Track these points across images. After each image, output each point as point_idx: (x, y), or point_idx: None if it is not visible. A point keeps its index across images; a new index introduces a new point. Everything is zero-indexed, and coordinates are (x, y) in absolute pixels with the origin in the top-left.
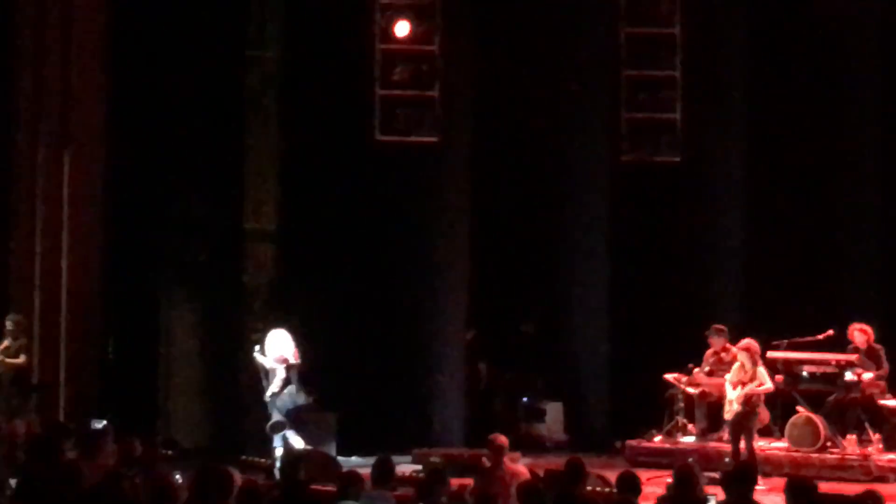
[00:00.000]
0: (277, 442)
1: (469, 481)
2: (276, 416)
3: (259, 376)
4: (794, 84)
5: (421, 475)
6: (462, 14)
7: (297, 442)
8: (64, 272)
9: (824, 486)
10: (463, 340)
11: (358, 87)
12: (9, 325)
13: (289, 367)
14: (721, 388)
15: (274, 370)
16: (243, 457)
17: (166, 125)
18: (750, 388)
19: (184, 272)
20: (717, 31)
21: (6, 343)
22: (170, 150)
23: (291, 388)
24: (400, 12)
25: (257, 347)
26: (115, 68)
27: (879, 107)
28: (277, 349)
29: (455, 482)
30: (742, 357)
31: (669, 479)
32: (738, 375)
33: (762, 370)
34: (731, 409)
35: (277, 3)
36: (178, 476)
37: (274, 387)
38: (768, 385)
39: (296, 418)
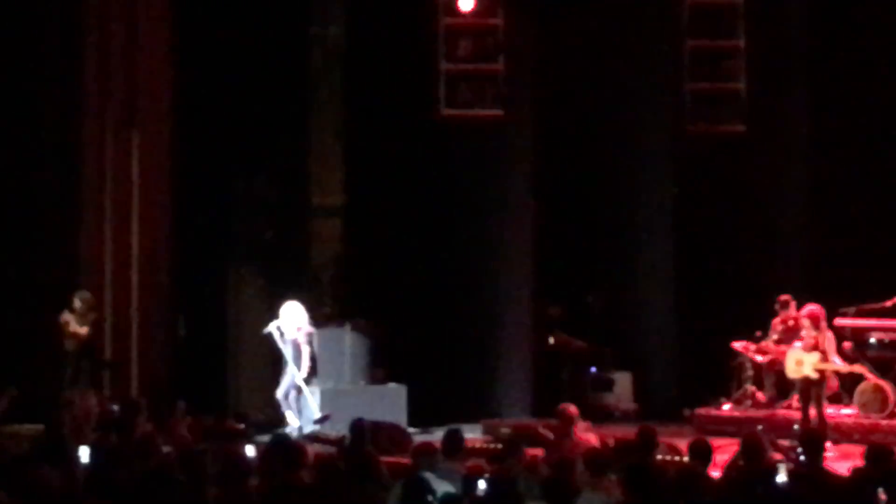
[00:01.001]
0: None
1: (539, 451)
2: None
3: (279, 352)
4: (859, 51)
5: (491, 446)
6: None
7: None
8: (134, 251)
9: None
10: (530, 310)
11: (422, 62)
12: (77, 302)
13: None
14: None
15: (299, 347)
16: (313, 430)
17: (232, 104)
18: (826, 366)
19: (251, 250)
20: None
21: (71, 318)
22: (235, 128)
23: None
24: None
25: (273, 324)
26: (180, 49)
27: None
28: (301, 324)
29: (527, 452)
30: (806, 322)
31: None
32: (807, 343)
33: (830, 336)
34: (800, 369)
35: None
36: (251, 449)
37: (305, 370)
38: (836, 361)
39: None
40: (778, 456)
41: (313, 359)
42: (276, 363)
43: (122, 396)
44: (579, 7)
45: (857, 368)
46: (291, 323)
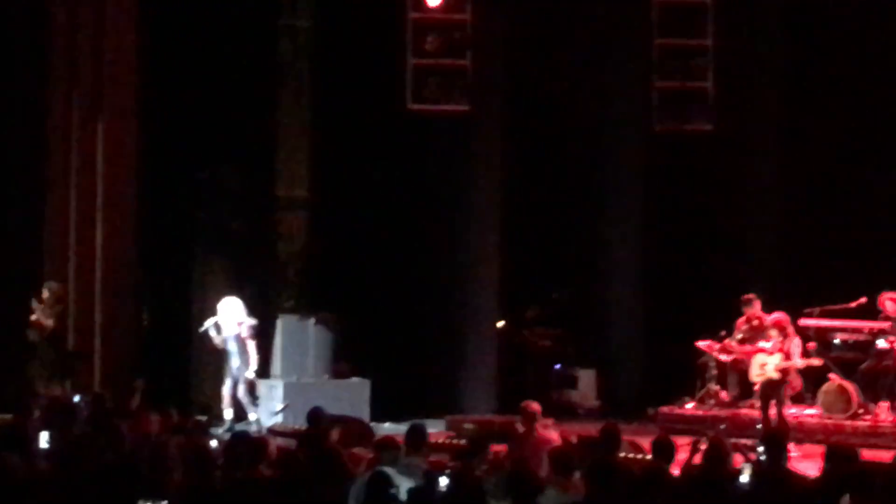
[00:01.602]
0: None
1: (502, 447)
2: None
3: (217, 351)
4: (827, 51)
5: (455, 441)
6: None
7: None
8: (98, 241)
9: None
10: (496, 307)
11: (390, 56)
12: (45, 292)
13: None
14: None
15: (243, 342)
16: (275, 423)
17: (199, 95)
18: (788, 364)
19: (216, 241)
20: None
21: (38, 309)
22: (202, 119)
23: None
24: None
25: (210, 321)
26: (147, 38)
27: None
28: (241, 318)
29: (491, 449)
30: (774, 332)
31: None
32: (771, 345)
33: (797, 342)
34: (763, 372)
35: None
36: (213, 442)
37: (254, 364)
38: (797, 360)
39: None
40: (740, 457)
41: (264, 350)
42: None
43: (88, 390)
44: (548, 3)
45: (815, 361)
46: (230, 319)
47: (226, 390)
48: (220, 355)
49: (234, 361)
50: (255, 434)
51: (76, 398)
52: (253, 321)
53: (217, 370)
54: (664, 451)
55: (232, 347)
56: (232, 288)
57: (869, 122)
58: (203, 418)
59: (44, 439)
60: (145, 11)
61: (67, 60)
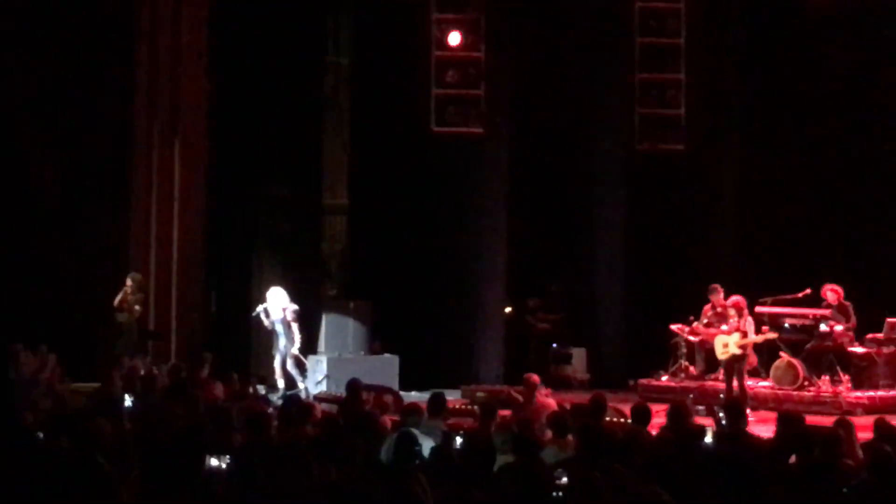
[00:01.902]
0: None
1: (507, 412)
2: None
3: (268, 333)
4: (781, 85)
5: (469, 407)
6: (504, 27)
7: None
8: (175, 240)
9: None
10: (503, 295)
11: (416, 87)
12: (129, 281)
13: (293, 320)
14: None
15: (288, 324)
16: (320, 392)
17: (258, 119)
18: (749, 340)
19: (271, 241)
20: (715, 40)
21: (123, 296)
22: (261, 139)
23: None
24: (452, 25)
25: (260, 307)
26: (216, 72)
27: (848, 99)
28: (285, 304)
29: (499, 413)
30: (732, 311)
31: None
32: (730, 326)
33: (750, 320)
34: (727, 350)
35: (349, 19)
36: (270, 409)
37: (298, 342)
38: (752, 336)
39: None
40: (701, 420)
41: (307, 332)
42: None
43: (166, 363)
44: (548, 43)
45: (770, 335)
46: (276, 304)
47: (277, 364)
48: (270, 335)
49: (281, 341)
50: (303, 400)
51: (154, 369)
52: (295, 306)
53: (270, 349)
54: (642, 415)
55: (279, 329)
56: (284, 280)
57: (812, 145)
58: (260, 387)
59: (127, 404)
60: (215, 49)
61: (149, 91)
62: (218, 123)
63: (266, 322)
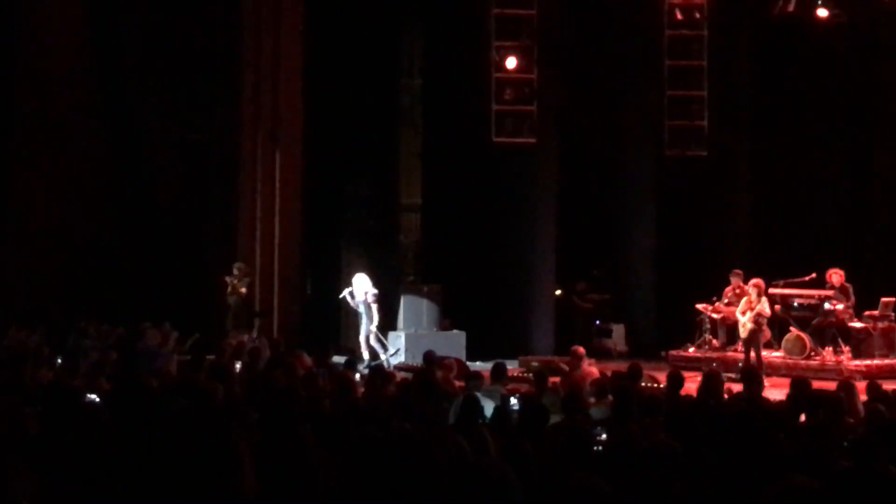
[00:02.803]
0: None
1: (557, 379)
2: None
3: (354, 313)
4: (786, 99)
5: (527, 374)
6: (553, 53)
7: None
8: (276, 234)
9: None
10: (554, 280)
11: (479, 104)
12: (235, 270)
13: (375, 301)
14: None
15: (369, 305)
16: (389, 362)
17: (344, 131)
18: (758, 309)
19: (357, 234)
20: (733, 62)
21: (233, 281)
22: (348, 148)
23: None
24: (509, 51)
25: (346, 290)
26: (310, 92)
27: (842, 110)
28: (367, 288)
29: (550, 380)
30: (752, 291)
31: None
32: (746, 305)
33: (765, 300)
34: (745, 328)
35: (421, 46)
36: (357, 375)
37: (376, 321)
38: (767, 311)
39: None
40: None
41: (387, 312)
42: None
43: (269, 337)
44: (591, 66)
45: (779, 312)
46: (360, 288)
47: (362, 339)
48: (355, 314)
49: (363, 319)
50: (385, 369)
51: (258, 342)
52: (375, 290)
53: (358, 326)
54: (676, 381)
55: (361, 309)
56: (368, 267)
57: (815, 151)
58: (340, 357)
59: (237, 372)
60: (308, 72)
61: (254, 105)
62: (312, 132)
63: (351, 303)
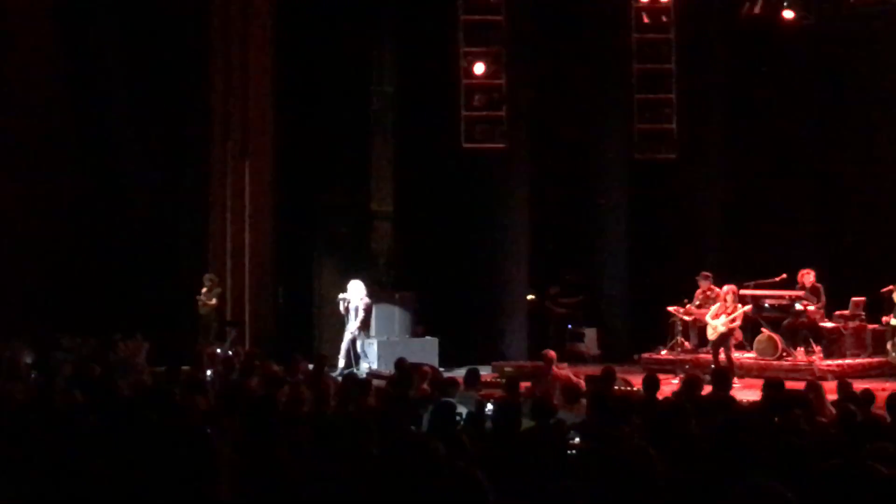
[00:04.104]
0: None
1: (528, 384)
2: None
3: (343, 313)
4: (754, 102)
5: (500, 380)
6: (521, 58)
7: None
8: (247, 244)
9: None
10: (526, 285)
11: (449, 110)
12: (205, 280)
13: (367, 309)
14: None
15: (357, 308)
16: (371, 369)
17: (315, 138)
18: (733, 316)
19: (329, 241)
20: (701, 65)
21: (203, 293)
22: (318, 156)
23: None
24: (477, 57)
25: (342, 295)
26: (279, 100)
27: (811, 111)
28: (362, 295)
29: (522, 385)
30: (729, 297)
31: (675, 381)
32: (720, 309)
33: (740, 305)
34: (715, 331)
35: (392, 54)
36: (332, 384)
37: (357, 324)
38: (738, 323)
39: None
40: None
41: (367, 320)
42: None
43: (248, 349)
44: (560, 71)
45: (748, 310)
46: (356, 294)
47: (344, 345)
48: (340, 320)
49: (353, 325)
50: (360, 377)
51: (231, 352)
52: (368, 300)
53: (331, 333)
54: (653, 384)
55: (352, 314)
56: (339, 275)
57: (783, 153)
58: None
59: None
60: (278, 81)
61: (223, 119)
62: (283, 141)
63: (342, 307)
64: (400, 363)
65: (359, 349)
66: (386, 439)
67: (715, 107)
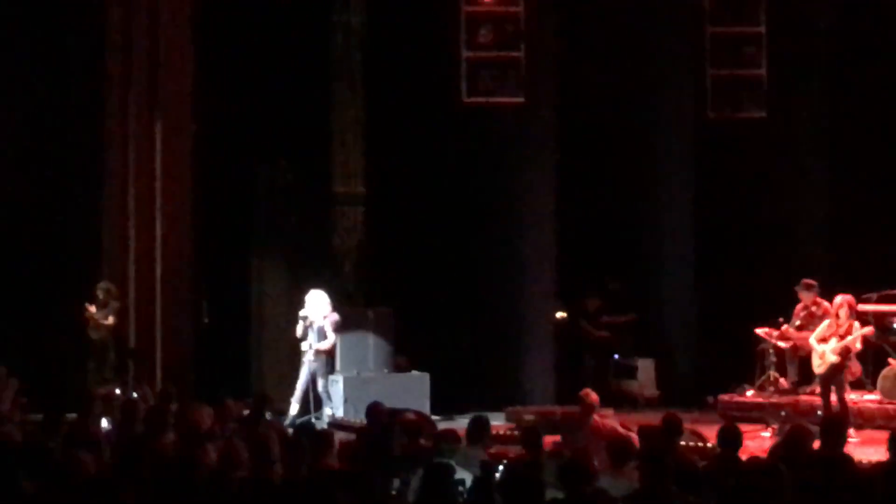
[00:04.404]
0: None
1: (558, 438)
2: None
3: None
4: (880, 38)
5: (516, 433)
6: None
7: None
8: (157, 240)
9: None
10: (553, 296)
11: (443, 50)
12: (99, 292)
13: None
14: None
15: (322, 329)
16: (334, 417)
17: (254, 90)
18: (848, 340)
19: (274, 237)
20: None
21: (93, 309)
22: (258, 114)
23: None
24: None
25: (303, 312)
26: (201, 35)
27: None
28: (325, 312)
29: (547, 440)
30: (842, 312)
31: (765, 434)
32: (830, 330)
33: (857, 324)
34: (824, 361)
35: None
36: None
37: (326, 343)
38: (858, 345)
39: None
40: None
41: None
42: (297, 350)
43: (152, 385)
44: None
45: (868, 332)
46: (316, 312)
47: (301, 383)
48: (284, 348)
49: (312, 355)
50: (317, 428)
51: (135, 393)
52: (336, 316)
53: (276, 366)
54: (731, 438)
55: (313, 338)
56: (288, 283)
57: None
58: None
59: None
60: (199, 9)
61: (123, 58)
62: (205, 95)
63: (299, 330)
64: (374, 409)
65: (320, 389)
66: None
67: (820, 45)
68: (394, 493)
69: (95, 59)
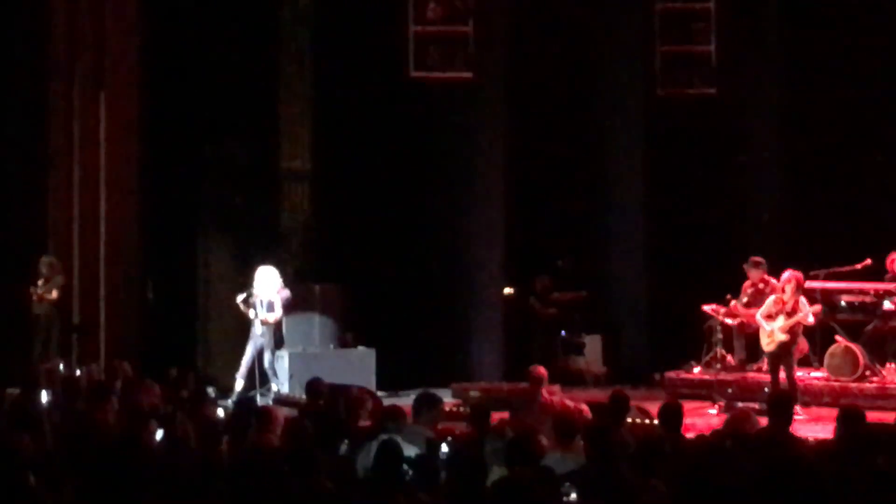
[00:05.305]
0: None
1: (504, 415)
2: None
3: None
4: (830, 13)
5: (461, 409)
6: None
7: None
8: (102, 215)
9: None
10: (501, 273)
11: (391, 24)
12: (43, 267)
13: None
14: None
15: (272, 304)
16: (280, 393)
17: (199, 65)
18: (796, 318)
19: (220, 213)
20: None
21: (39, 284)
22: (203, 90)
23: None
24: None
25: (242, 294)
26: (148, 9)
27: None
28: (277, 286)
29: (496, 416)
30: (788, 287)
31: (712, 411)
32: (776, 306)
33: (804, 301)
34: (773, 340)
35: None
36: (220, 412)
37: (274, 315)
38: (810, 319)
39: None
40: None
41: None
42: (247, 329)
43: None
44: None
45: (817, 310)
46: (267, 288)
47: (246, 358)
48: (231, 325)
49: (259, 329)
50: (259, 405)
51: (79, 370)
52: (288, 292)
53: (222, 343)
54: (672, 416)
55: (261, 312)
56: (234, 259)
57: (873, 83)
58: (210, 389)
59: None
60: None
61: (67, 32)
62: (152, 70)
63: (243, 306)
64: (315, 385)
65: (266, 365)
66: (296, 496)
67: (770, 20)
68: (338, 469)
69: (41, 34)
